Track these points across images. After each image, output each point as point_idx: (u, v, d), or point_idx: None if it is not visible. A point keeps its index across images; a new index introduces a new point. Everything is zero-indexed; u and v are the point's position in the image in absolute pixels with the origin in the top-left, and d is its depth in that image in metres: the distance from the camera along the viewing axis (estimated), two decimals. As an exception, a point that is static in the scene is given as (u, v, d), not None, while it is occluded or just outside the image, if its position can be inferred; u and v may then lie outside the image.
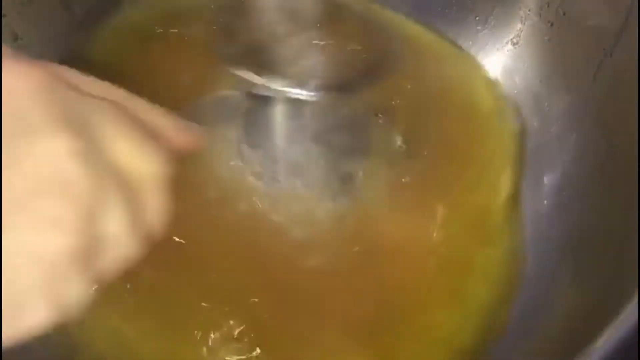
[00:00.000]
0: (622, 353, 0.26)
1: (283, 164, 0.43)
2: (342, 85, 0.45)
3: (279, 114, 0.45)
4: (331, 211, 0.41)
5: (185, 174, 0.25)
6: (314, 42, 0.46)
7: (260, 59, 0.45)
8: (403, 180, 0.43)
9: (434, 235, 0.42)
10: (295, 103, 0.45)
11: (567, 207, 0.41)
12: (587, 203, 0.40)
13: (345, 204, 0.42)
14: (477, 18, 0.50)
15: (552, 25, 0.43)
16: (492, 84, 0.49)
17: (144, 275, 0.37)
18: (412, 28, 0.51)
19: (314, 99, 0.45)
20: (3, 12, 0.42)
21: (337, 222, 0.41)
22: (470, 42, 0.51)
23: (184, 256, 0.39)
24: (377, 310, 0.39)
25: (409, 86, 0.47)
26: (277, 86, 0.44)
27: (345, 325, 0.38)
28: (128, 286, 0.37)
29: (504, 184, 0.45)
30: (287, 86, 0.44)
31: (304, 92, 0.44)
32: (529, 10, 0.45)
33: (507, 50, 0.48)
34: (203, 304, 0.37)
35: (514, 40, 0.48)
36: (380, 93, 0.46)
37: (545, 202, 0.43)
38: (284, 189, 0.42)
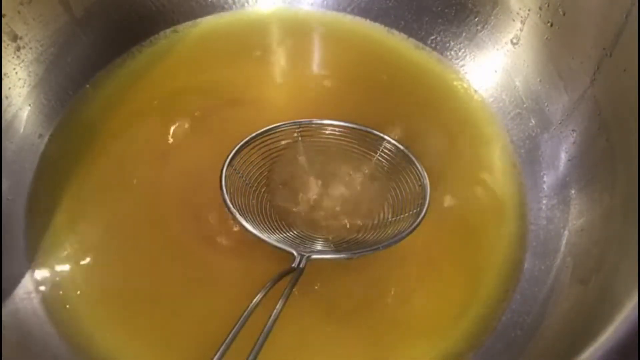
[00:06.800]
0: (622, 353, 0.26)
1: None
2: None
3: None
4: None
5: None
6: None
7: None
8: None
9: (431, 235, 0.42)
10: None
11: (567, 206, 0.41)
12: (587, 202, 0.40)
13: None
14: (477, 18, 0.50)
15: (552, 25, 0.43)
16: (475, 93, 0.50)
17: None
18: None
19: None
20: (3, 12, 0.42)
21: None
22: (470, 42, 0.51)
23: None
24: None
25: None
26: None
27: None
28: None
29: (504, 186, 0.45)
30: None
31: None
32: (529, 10, 0.45)
33: (507, 50, 0.48)
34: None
35: (514, 40, 0.48)
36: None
37: (545, 202, 0.43)
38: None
